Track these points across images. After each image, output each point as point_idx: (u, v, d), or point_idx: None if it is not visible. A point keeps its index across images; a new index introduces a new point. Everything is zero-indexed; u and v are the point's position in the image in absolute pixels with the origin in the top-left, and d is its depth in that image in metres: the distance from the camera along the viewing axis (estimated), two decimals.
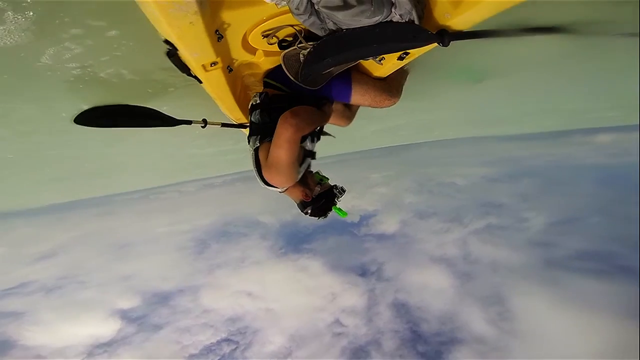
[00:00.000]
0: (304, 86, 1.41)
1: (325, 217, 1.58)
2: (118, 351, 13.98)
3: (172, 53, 1.11)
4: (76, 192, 11.54)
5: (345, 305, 15.81)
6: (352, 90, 1.57)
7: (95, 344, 14.14)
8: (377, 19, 0.97)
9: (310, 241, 19.69)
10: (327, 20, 1.03)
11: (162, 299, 16.63)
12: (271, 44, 1.28)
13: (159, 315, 15.78)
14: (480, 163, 21.75)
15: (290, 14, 1.02)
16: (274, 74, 1.51)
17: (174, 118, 1.85)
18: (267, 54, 1.37)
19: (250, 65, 1.49)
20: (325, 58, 1.14)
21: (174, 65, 1.22)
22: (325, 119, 1.53)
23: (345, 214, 1.58)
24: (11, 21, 1.34)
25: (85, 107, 1.78)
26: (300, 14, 1.00)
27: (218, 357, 14.27)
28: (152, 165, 7.59)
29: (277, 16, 1.15)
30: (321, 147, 1.56)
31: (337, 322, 15.16)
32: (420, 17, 0.99)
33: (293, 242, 19.63)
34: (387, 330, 14.59)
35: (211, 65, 1.19)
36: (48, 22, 1.34)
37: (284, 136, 1.25)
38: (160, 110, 1.85)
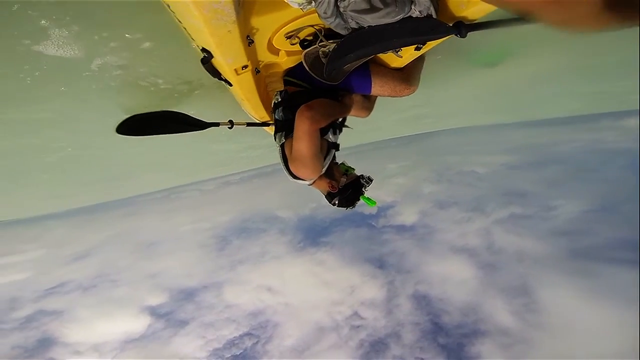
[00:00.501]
0: (324, 81, 1.47)
1: (354, 207, 1.63)
2: (149, 347, 14.64)
3: (207, 60, 1.20)
4: (103, 194, 12.13)
5: (364, 298, 15.80)
6: (372, 82, 1.61)
7: (127, 339, 14.82)
8: (400, 17, 1.03)
9: (327, 234, 19.76)
10: (350, 21, 1.09)
11: (188, 295, 17.18)
12: (293, 44, 1.35)
13: (185, 311, 16.31)
14: (500, 151, 21.04)
15: (311, 15, 1.09)
16: (294, 72, 1.58)
17: (203, 121, 1.94)
18: (289, 53, 1.44)
19: (272, 65, 1.56)
20: (348, 54, 1.19)
21: (206, 71, 1.32)
22: (345, 111, 1.58)
23: (373, 203, 1.63)
24: (57, 36, 1.48)
25: (117, 113, 1.90)
26: (327, 17, 1.07)
27: (240, 351, 14.60)
28: (171, 165, 7.87)
29: (299, 18, 1.22)
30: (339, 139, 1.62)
31: (356, 314, 15.19)
32: (436, 11, 1.04)
33: (311, 236, 19.76)
34: (407, 323, 14.51)
35: (242, 69, 1.27)
36: (89, 37, 1.47)
37: (302, 129, 1.33)
38: (190, 114, 1.95)
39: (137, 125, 1.82)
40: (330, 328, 14.75)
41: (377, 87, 1.63)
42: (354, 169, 1.67)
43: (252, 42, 1.18)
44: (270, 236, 20.35)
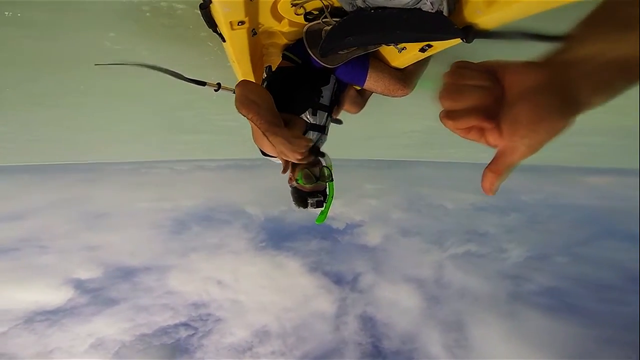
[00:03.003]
0: (319, 62, 1.42)
1: (304, 208, 1.53)
2: (62, 320, 13.46)
3: (205, 5, 1.14)
4: (64, 154, 11.25)
5: (315, 310, 15.79)
6: (368, 75, 1.56)
7: (37, 310, 13.57)
8: (408, 1, 0.99)
9: (293, 240, 19.67)
10: None
11: (126, 274, 16.19)
12: (298, 15, 1.30)
13: (118, 290, 15.36)
14: (473, 190, 22.29)
15: None
16: (294, 47, 1.53)
17: (190, 78, 1.86)
18: (292, 24, 1.38)
19: (273, 34, 1.50)
20: (347, 36, 1.15)
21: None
22: (262, 119, 1.22)
23: (319, 220, 1.54)
24: None
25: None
26: None
27: (172, 341, 13.89)
28: (149, 138, 7.49)
29: None
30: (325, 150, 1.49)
31: (304, 325, 15.10)
32: (450, 11, 1.00)
33: (275, 238, 19.59)
34: (350, 342, 14.63)
35: (238, 24, 1.21)
36: None
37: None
38: (178, 72, 1.86)
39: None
40: (276, 334, 14.50)
41: (371, 81, 1.59)
42: (330, 179, 1.52)
43: None
44: (232, 230, 19.92)
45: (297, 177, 1.47)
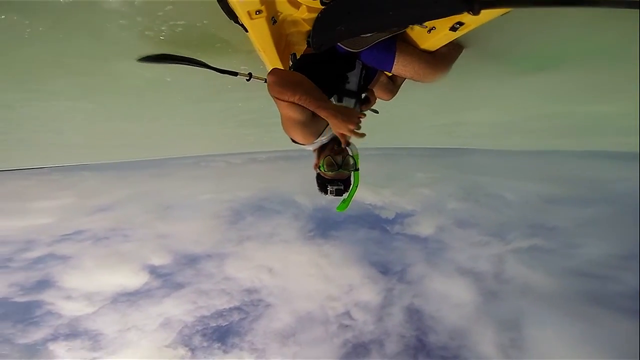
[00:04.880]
0: (344, 47, 1.39)
1: (324, 194, 1.52)
2: (139, 302, 15.45)
3: None
4: (139, 152, 12.75)
5: (359, 300, 15.79)
6: (395, 60, 1.47)
7: (121, 292, 15.71)
8: None
9: (339, 229, 19.81)
10: None
11: (190, 260, 17.92)
12: (314, 0, 1.25)
13: (184, 275, 17.08)
14: (538, 179, 19.78)
15: None
16: None
17: (223, 69, 1.94)
18: (310, 10, 1.34)
19: (295, 22, 1.49)
20: (337, 26, 1.07)
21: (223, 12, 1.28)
22: (315, 102, 1.24)
23: (340, 208, 1.53)
24: None
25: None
26: None
27: (226, 323, 15.16)
28: (206, 134, 8.08)
29: None
30: (368, 137, 1.47)
31: (347, 314, 15.23)
32: None
33: (323, 227, 19.94)
34: (393, 333, 14.37)
35: (256, 13, 1.21)
36: None
37: (270, 92, 1.25)
38: (208, 64, 1.95)
39: (159, 57, 1.86)
40: (319, 321, 14.95)
41: (399, 66, 1.49)
42: (353, 168, 1.49)
43: None
44: (283, 219, 20.75)
45: (321, 164, 1.47)
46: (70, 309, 14.42)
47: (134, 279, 16.28)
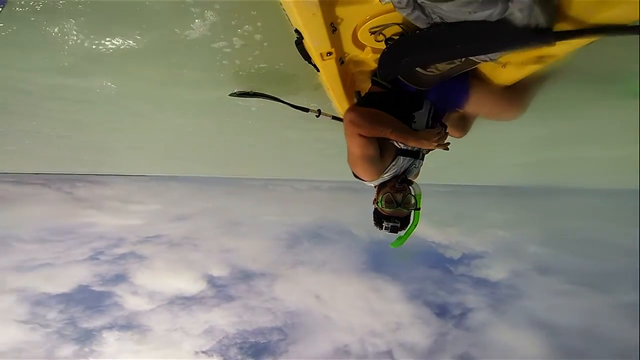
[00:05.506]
0: (410, 85, 1.42)
1: (379, 229, 1.55)
2: (192, 307, 16.58)
3: (299, 41, 1.37)
4: (219, 170, 14.33)
5: (405, 340, 14.38)
6: (467, 98, 1.47)
7: (178, 295, 17.04)
8: (489, 13, 0.89)
9: (396, 265, 18.68)
10: (433, 15, 1.00)
11: (245, 276, 18.80)
12: (379, 42, 1.34)
13: (236, 289, 17.94)
14: None
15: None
16: None
17: (295, 105, 2.18)
18: (375, 51, 1.45)
19: (360, 62, 1.62)
20: (402, 58, 1.12)
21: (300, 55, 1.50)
22: (402, 133, 1.38)
23: (395, 244, 1.55)
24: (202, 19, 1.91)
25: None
26: (403, 8, 0.99)
27: (264, 341, 15.36)
28: (278, 158, 8.78)
29: (384, 13, 1.21)
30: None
31: (389, 353, 13.96)
32: (550, 21, 0.87)
33: (377, 261, 19.09)
34: None
35: (327, 55, 1.37)
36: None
37: (345, 130, 1.35)
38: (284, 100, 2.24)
39: (247, 93, 2.21)
40: (355, 356, 14.04)
41: (472, 103, 1.47)
42: (414, 207, 1.50)
43: (336, 29, 1.26)
44: (338, 248, 20.54)
45: (379, 199, 1.50)
46: (133, 303, 16.24)
47: (192, 286, 17.74)
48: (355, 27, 1.32)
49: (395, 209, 1.46)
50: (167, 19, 1.81)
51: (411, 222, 1.54)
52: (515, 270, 16.76)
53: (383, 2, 1.03)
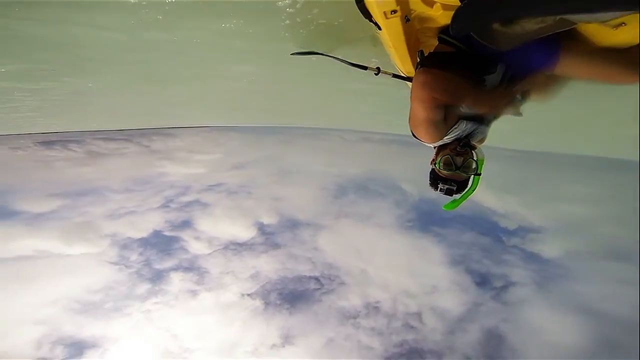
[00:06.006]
0: (486, 45, 1.21)
1: (434, 190, 1.54)
2: (242, 253, 18.13)
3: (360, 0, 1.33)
4: (276, 118, 14.74)
5: (437, 305, 14.31)
6: (559, 59, 1.25)
7: (233, 241, 18.56)
8: None
9: (443, 226, 18.05)
10: None
11: (292, 225, 19.60)
12: None
13: (282, 237, 18.90)
14: None
15: None
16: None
17: (353, 63, 2.08)
18: (446, 7, 1.35)
19: (426, 19, 1.50)
20: (483, 12, 0.99)
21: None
22: (479, 99, 1.32)
23: (448, 207, 1.52)
24: None
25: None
26: None
27: (301, 289, 16.30)
28: (329, 108, 8.74)
29: None
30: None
31: (418, 315, 14.10)
32: None
33: (425, 220, 18.57)
34: (458, 351, 12.59)
35: (391, 13, 1.32)
36: None
37: (414, 92, 1.28)
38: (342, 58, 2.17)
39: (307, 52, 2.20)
40: (385, 313, 14.44)
41: (565, 65, 1.25)
42: (473, 172, 1.46)
43: None
44: (384, 203, 20.37)
45: (437, 160, 1.48)
46: (195, 247, 18.09)
47: (245, 232, 19.13)
48: None
49: (454, 172, 1.44)
50: None
51: (469, 186, 1.52)
52: (573, 250, 15.22)
53: None
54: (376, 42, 1.97)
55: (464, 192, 1.51)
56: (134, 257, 16.73)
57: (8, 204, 14.81)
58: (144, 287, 15.69)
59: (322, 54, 2.19)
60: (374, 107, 7.11)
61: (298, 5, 1.91)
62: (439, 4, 1.35)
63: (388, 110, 6.91)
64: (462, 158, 1.45)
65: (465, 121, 1.44)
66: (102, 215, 17.19)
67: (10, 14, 2.17)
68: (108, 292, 14.91)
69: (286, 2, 1.90)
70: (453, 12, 1.25)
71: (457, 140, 1.46)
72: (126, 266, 16.24)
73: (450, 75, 1.31)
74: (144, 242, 17.57)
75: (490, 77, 1.37)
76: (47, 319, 13.22)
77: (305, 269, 17.28)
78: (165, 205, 19.40)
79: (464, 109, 1.42)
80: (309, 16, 2.01)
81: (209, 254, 17.92)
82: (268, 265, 17.52)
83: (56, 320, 13.33)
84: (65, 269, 14.87)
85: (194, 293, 15.91)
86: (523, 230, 16.83)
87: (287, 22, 2.09)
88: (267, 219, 20.04)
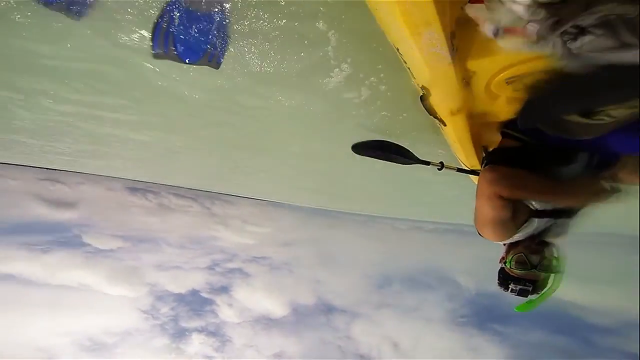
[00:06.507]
0: (556, 135, 1.21)
1: (504, 290, 1.38)
2: (271, 329, 17.33)
3: (425, 98, 1.39)
4: (327, 201, 15.15)
5: None
6: None
7: (264, 315, 18.01)
8: None
9: (505, 323, 14.81)
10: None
11: (327, 309, 18.66)
12: (517, 91, 1.25)
13: (315, 320, 18.02)
14: None
15: (539, 59, 0.97)
16: (515, 122, 1.40)
17: (417, 157, 2.03)
18: (511, 101, 1.34)
19: (488, 114, 1.52)
20: (555, 105, 0.99)
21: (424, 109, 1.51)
22: (557, 194, 1.24)
23: (521, 308, 1.33)
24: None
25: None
26: (539, 44, 0.87)
27: None
28: (382, 195, 8.72)
29: (524, 63, 1.12)
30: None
31: None
32: None
33: (481, 316, 15.67)
34: None
35: (457, 110, 1.36)
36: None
37: (480, 190, 1.22)
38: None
39: (365, 147, 2.08)
40: None
41: None
42: (553, 271, 1.30)
43: (467, 84, 1.24)
44: (434, 296, 18.14)
45: (509, 259, 1.36)
46: (226, 314, 17.80)
47: (278, 309, 18.56)
48: (489, 79, 1.26)
49: (529, 271, 1.31)
50: (309, 70, 2.10)
51: (548, 285, 1.34)
52: None
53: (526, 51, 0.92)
54: (438, 130, 1.99)
55: (542, 291, 1.34)
56: (164, 309, 16.82)
57: (82, 235, 16.34)
58: (162, 341, 15.45)
59: (381, 158, 2.02)
60: (428, 196, 6.92)
61: (362, 97, 2.09)
62: (503, 97, 1.35)
63: (444, 199, 6.66)
64: (539, 256, 1.32)
65: (536, 219, 1.31)
66: (151, 264, 18.04)
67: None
68: (125, 337, 14.89)
69: (350, 94, 2.11)
70: (518, 106, 1.27)
71: (532, 237, 1.34)
72: (153, 317, 16.30)
73: (519, 171, 1.26)
74: (179, 298, 17.73)
75: (569, 167, 1.29)
76: (49, 349, 13.30)
77: (333, 357, 15.75)
78: (210, 268, 19.89)
79: (538, 204, 1.30)
80: (372, 107, 2.17)
81: (238, 323, 17.46)
82: (294, 347, 16.49)
83: (57, 351, 13.37)
84: (95, 306, 15.31)
85: (208, 359, 15.08)
86: (624, 327, 12.63)
87: (354, 112, 2.28)
88: (303, 300, 19.35)
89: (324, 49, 1.86)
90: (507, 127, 1.47)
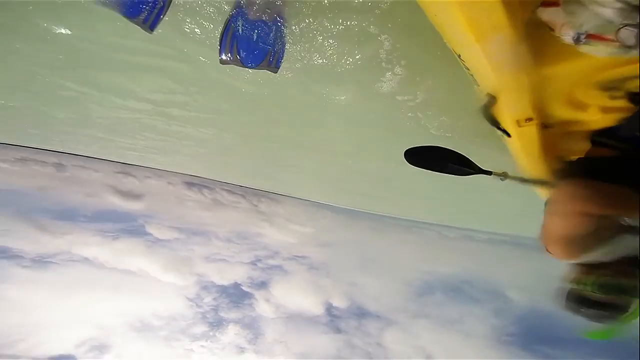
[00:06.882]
0: None
1: (572, 312, 1.22)
2: (303, 327, 17.52)
3: (489, 106, 1.28)
4: (371, 204, 14.90)
5: None
6: None
7: (298, 313, 18.15)
8: None
9: (556, 345, 13.14)
10: None
11: (361, 313, 18.20)
12: (614, 99, 1.11)
13: (346, 324, 17.62)
14: None
15: (631, 62, 0.87)
16: (611, 130, 1.26)
17: (477, 165, 1.92)
18: (606, 109, 1.19)
19: (572, 122, 1.37)
20: None
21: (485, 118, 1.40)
22: None
23: (596, 335, 1.19)
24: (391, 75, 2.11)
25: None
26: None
27: None
28: (432, 201, 8.34)
29: (620, 66, 0.99)
30: None
31: None
32: None
33: (530, 336, 14.12)
34: None
35: (526, 121, 1.24)
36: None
37: (557, 206, 1.07)
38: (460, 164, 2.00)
39: (420, 154, 1.96)
40: None
41: None
42: (624, 292, 1.13)
43: (541, 93, 1.12)
44: (479, 309, 16.73)
45: (588, 281, 1.19)
46: (262, 308, 18.30)
47: (313, 308, 18.59)
48: (572, 87, 1.14)
49: (617, 295, 1.14)
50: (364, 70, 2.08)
51: (630, 310, 1.15)
52: None
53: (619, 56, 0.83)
54: (502, 137, 1.84)
55: (623, 316, 1.15)
56: (208, 299, 17.90)
57: (145, 225, 18.09)
58: (201, 328, 16.47)
59: (436, 170, 1.92)
60: (484, 204, 6.45)
61: (418, 100, 2.02)
62: (595, 106, 1.21)
63: (502, 208, 6.16)
64: (628, 280, 1.14)
65: (628, 235, 1.14)
66: (201, 255, 19.32)
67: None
68: (170, 321, 16.15)
69: (405, 97, 2.05)
70: (619, 115, 1.13)
71: (624, 259, 1.16)
72: (197, 305, 17.44)
73: (612, 186, 1.10)
74: (222, 290, 18.78)
75: None
76: (105, 326, 14.97)
77: None
78: (253, 263, 20.62)
79: (632, 220, 1.13)
80: (430, 112, 2.08)
81: (272, 318, 17.93)
82: (323, 347, 16.46)
83: (112, 329, 14.99)
84: (149, 291, 16.90)
85: (241, 350, 15.95)
86: None
87: (410, 114, 2.21)
88: (338, 302, 19.19)
89: (379, 50, 1.84)
90: (600, 134, 1.30)
